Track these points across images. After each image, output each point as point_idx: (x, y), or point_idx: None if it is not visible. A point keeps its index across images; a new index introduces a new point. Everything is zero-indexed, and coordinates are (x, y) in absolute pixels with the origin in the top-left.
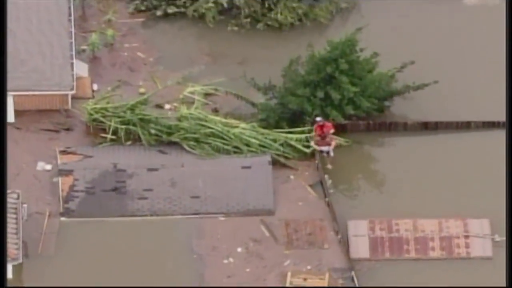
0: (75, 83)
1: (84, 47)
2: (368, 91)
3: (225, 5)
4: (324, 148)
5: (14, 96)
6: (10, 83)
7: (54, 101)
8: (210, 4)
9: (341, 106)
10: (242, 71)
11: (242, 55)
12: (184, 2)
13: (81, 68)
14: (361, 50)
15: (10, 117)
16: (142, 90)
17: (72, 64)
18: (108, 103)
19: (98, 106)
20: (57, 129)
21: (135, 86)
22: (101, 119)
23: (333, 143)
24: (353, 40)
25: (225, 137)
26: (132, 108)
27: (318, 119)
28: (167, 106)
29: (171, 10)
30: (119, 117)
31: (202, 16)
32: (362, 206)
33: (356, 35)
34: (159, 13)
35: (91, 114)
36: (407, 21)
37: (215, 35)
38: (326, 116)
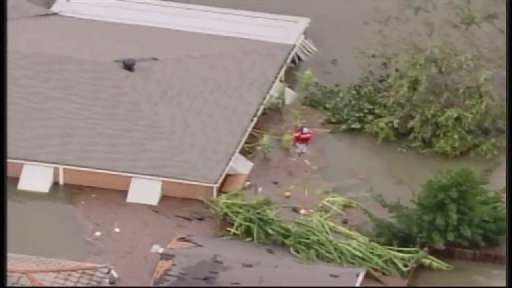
0: (222, 178)
1: (256, 145)
2: (475, 221)
3: (395, 125)
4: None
5: (162, 182)
6: (163, 169)
7: (198, 192)
8: (382, 124)
9: (445, 231)
10: (391, 190)
11: (399, 175)
12: (364, 118)
13: (244, 166)
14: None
15: (154, 200)
16: (287, 193)
17: (229, 160)
18: (242, 200)
19: (229, 201)
20: (190, 218)
21: (283, 189)
22: (229, 213)
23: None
24: (468, 173)
25: (329, 246)
26: (256, 207)
27: (305, 130)
28: (302, 211)
29: (354, 126)
30: (244, 214)
31: (377, 134)
32: None
33: (484, 174)
34: (343, 127)
35: (221, 208)
36: None
37: (383, 153)
38: (430, 239)
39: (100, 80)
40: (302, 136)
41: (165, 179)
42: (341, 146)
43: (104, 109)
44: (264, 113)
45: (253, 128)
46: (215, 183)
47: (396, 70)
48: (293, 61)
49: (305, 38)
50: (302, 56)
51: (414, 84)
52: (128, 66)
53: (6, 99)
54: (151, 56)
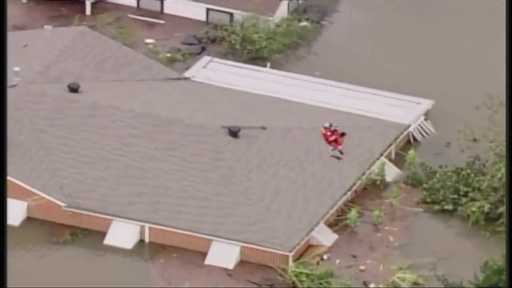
0: (299, 247)
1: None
2: None
3: (486, 209)
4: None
5: (241, 247)
6: (244, 234)
7: (274, 259)
8: (474, 208)
9: None
10: (464, 271)
11: (477, 257)
12: (458, 200)
13: (328, 237)
14: None
15: (230, 264)
16: (362, 267)
17: (311, 230)
18: (311, 269)
19: (297, 269)
20: (261, 284)
21: (360, 263)
22: (296, 281)
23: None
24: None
25: None
26: (320, 277)
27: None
28: (371, 285)
29: (447, 207)
30: (308, 283)
31: (468, 217)
32: None
33: None
34: (437, 207)
35: (290, 276)
36: None
37: (468, 235)
38: None
39: (203, 144)
40: (330, 134)
41: (244, 244)
42: (429, 226)
43: (200, 172)
44: (364, 188)
45: (348, 201)
46: (291, 251)
47: (496, 154)
48: (408, 141)
49: (425, 119)
50: (417, 136)
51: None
52: (233, 133)
53: (6, 98)
54: (261, 125)
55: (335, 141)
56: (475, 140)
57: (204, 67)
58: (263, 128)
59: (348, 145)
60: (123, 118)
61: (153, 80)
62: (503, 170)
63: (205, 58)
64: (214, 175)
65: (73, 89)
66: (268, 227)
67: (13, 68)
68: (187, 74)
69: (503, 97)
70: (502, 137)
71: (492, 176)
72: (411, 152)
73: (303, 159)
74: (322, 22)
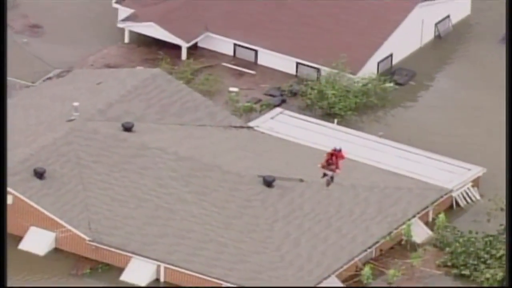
0: None
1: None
2: None
3: (499, 278)
4: (328, 173)
5: None
6: (252, 281)
7: None
8: (488, 275)
9: None
10: None
11: None
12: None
13: None
14: None
15: None
16: None
17: (319, 283)
18: None
19: None
20: None
21: None
22: None
23: (338, 171)
24: None
25: None
26: None
27: (337, 148)
28: None
29: (464, 272)
30: None
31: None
32: None
33: None
34: (455, 271)
35: None
36: None
37: None
38: None
39: (235, 191)
40: (338, 156)
41: None
42: None
43: (225, 218)
44: (391, 248)
45: (371, 259)
46: None
47: None
48: (451, 205)
49: (472, 186)
50: (460, 202)
51: None
52: (268, 182)
53: (6, 98)
54: (300, 178)
55: (337, 165)
56: (501, 209)
57: (272, 118)
58: (301, 180)
59: (383, 204)
60: (166, 160)
61: (214, 126)
62: None
63: (276, 110)
64: (239, 222)
65: (127, 128)
66: (276, 276)
67: (73, 103)
68: (252, 123)
69: None
70: None
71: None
72: (441, 215)
73: (332, 214)
74: (410, 83)
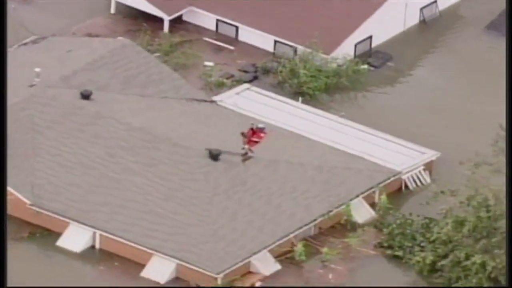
0: (228, 271)
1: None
2: None
3: (428, 261)
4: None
5: (177, 264)
6: (180, 252)
7: (204, 279)
8: (418, 258)
9: None
10: None
11: None
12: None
13: (268, 267)
14: None
15: (162, 279)
16: None
17: (248, 257)
18: None
19: None
20: None
21: None
22: None
23: (247, 146)
24: None
25: None
26: None
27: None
28: None
29: (398, 253)
30: None
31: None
32: None
33: None
34: (388, 252)
35: None
36: None
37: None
38: None
39: (181, 164)
40: (255, 138)
41: (180, 262)
42: (375, 269)
43: (168, 190)
44: (332, 227)
45: (309, 237)
46: (218, 274)
47: (449, 208)
48: (400, 188)
49: (424, 170)
50: (409, 185)
51: (460, 224)
52: (214, 156)
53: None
54: (245, 152)
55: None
56: (442, 192)
57: (238, 93)
58: (246, 156)
59: (329, 184)
60: (118, 130)
61: (176, 99)
62: (450, 226)
63: (243, 86)
64: (180, 194)
65: (85, 96)
66: (207, 249)
67: (35, 69)
68: (216, 98)
69: None
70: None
71: (441, 229)
72: (383, 196)
73: (275, 190)
74: (387, 65)
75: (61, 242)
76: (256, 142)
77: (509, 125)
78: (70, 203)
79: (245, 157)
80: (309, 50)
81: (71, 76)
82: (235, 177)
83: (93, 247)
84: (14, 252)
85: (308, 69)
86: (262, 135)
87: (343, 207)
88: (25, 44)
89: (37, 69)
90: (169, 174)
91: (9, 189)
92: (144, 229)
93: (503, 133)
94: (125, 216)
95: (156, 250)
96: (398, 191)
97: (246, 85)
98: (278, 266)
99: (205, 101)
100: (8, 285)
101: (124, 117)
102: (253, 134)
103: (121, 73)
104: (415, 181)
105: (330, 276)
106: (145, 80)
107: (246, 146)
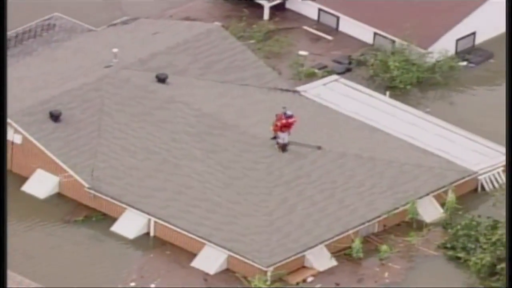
0: (279, 265)
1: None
2: None
3: (485, 263)
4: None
5: (228, 256)
6: (231, 243)
7: (254, 272)
8: (475, 259)
9: None
10: None
11: None
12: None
13: (322, 262)
14: None
15: (211, 269)
16: None
17: (301, 252)
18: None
19: (262, 286)
20: None
21: None
22: None
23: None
24: None
25: None
26: None
27: (289, 112)
28: None
29: (460, 254)
30: None
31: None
32: None
33: None
34: (450, 253)
35: None
36: None
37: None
38: None
39: (246, 152)
40: (284, 122)
41: (230, 253)
42: (434, 270)
43: (228, 179)
44: (398, 224)
45: (372, 234)
46: (268, 267)
47: None
48: (476, 188)
49: (503, 171)
50: (486, 186)
51: None
52: (161, 79)
53: (6, 99)
54: (318, 145)
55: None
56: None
57: (325, 85)
58: (319, 148)
59: (398, 180)
60: (186, 115)
61: (257, 87)
62: None
63: (332, 77)
64: (239, 183)
65: (160, 79)
66: (259, 241)
67: (113, 50)
68: (300, 88)
69: None
70: None
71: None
72: (452, 196)
73: (340, 184)
74: (483, 64)
75: (115, 228)
76: (281, 127)
77: (509, 124)
78: (128, 188)
79: (280, 145)
80: (404, 43)
81: (149, 59)
82: (300, 168)
83: (147, 234)
84: (67, 234)
85: (400, 62)
86: (289, 121)
87: (408, 205)
88: (114, 25)
89: (115, 50)
90: (231, 162)
91: (68, 170)
92: (197, 217)
93: None
94: (181, 203)
95: (205, 239)
96: (474, 192)
97: (335, 77)
98: (334, 262)
99: (288, 90)
100: (53, 267)
101: (195, 102)
102: (280, 120)
103: (203, 59)
104: (492, 183)
105: (386, 274)
106: (226, 66)
107: (283, 135)
